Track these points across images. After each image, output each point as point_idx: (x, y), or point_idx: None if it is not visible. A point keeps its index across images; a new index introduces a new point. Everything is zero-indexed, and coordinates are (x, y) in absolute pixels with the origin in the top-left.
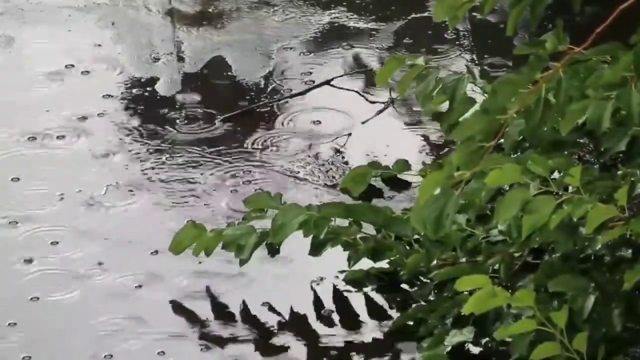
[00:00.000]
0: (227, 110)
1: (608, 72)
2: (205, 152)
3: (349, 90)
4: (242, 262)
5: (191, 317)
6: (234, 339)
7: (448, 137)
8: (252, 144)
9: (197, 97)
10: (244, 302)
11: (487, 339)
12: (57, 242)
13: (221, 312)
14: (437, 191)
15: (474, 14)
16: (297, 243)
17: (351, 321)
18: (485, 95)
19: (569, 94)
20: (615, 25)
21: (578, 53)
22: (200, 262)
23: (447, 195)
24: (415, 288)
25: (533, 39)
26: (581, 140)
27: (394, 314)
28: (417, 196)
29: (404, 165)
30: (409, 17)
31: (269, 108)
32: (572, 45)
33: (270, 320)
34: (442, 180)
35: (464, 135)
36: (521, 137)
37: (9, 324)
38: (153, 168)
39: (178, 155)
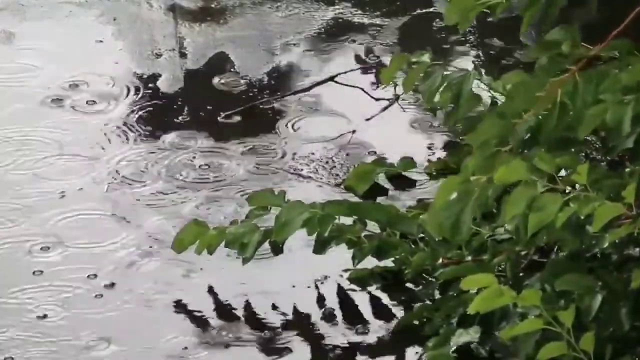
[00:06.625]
0: (229, 106)
1: (625, 75)
2: (207, 149)
3: (353, 86)
4: (245, 261)
5: (193, 317)
6: (236, 339)
7: (450, 130)
8: (255, 141)
9: (199, 94)
10: (247, 301)
11: (493, 338)
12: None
13: (224, 311)
14: (454, 196)
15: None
16: (300, 241)
17: (355, 320)
18: (491, 92)
19: (586, 98)
20: (629, 26)
21: (594, 55)
22: (201, 260)
23: (464, 201)
24: (420, 287)
25: (542, 37)
26: (588, 138)
27: (399, 313)
28: (433, 200)
29: (409, 162)
30: (414, 13)
31: (272, 105)
32: (584, 45)
33: (274, 319)
34: (459, 185)
35: (480, 140)
36: (528, 135)
37: None
38: (153, 165)
39: (179, 152)
